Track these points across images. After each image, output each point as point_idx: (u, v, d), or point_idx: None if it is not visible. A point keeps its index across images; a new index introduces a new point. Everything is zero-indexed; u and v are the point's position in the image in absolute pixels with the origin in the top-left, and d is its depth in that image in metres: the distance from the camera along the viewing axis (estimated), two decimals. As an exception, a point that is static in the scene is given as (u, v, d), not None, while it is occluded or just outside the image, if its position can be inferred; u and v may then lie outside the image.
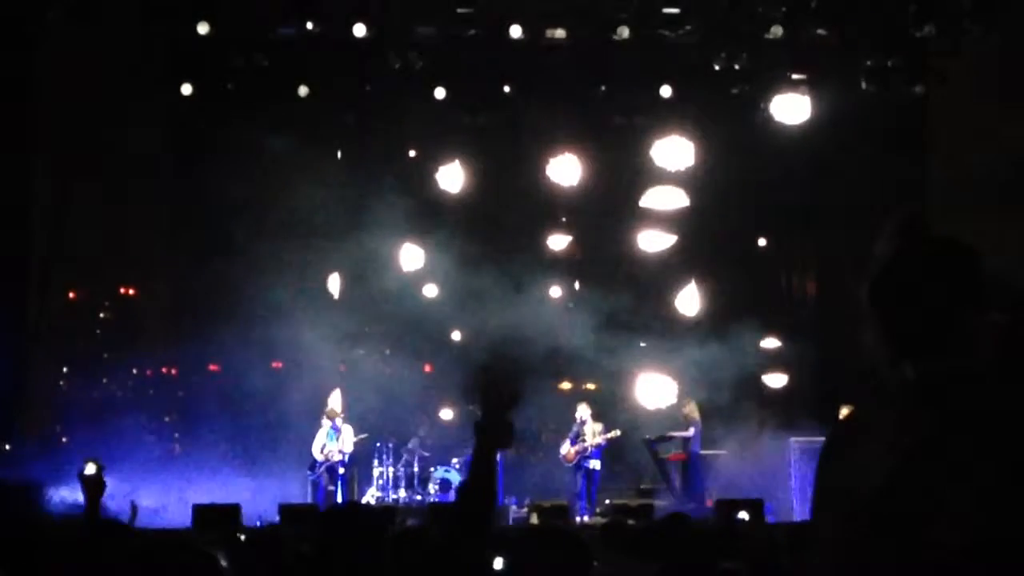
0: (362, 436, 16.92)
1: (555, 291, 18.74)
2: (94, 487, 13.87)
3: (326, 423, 16.73)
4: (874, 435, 2.25)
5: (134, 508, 12.57)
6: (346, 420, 16.86)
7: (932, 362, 2.26)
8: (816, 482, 2.35)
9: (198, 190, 18.52)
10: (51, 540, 4.04)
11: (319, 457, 16.59)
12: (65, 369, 17.79)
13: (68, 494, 13.59)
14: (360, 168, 18.51)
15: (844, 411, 15.92)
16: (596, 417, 17.13)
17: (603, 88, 17.68)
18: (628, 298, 18.30)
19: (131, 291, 18.82)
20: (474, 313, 17.78)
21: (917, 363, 2.26)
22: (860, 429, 2.34)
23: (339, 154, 18.66)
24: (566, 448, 17.08)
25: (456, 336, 18.81)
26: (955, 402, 2.20)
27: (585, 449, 16.86)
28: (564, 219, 18.97)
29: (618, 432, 16.96)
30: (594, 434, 16.92)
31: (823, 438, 2.46)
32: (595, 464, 16.90)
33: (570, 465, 17.01)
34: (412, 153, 18.93)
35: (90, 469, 13.95)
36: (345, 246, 17.89)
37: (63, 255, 16.85)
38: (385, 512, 13.65)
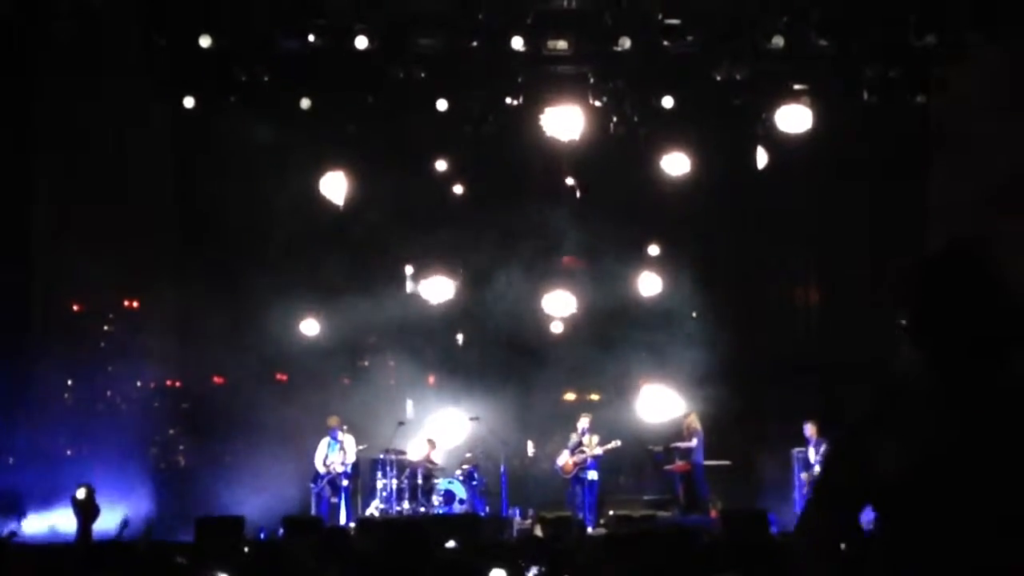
0: (362, 447, 16.89)
1: (560, 302, 18.72)
2: (86, 511, 13.87)
3: (327, 435, 16.71)
4: (897, 425, 2.70)
5: (124, 523, 12.57)
6: (347, 431, 16.82)
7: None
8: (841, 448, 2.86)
9: (201, 203, 18.54)
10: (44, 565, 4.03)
11: (321, 469, 16.56)
12: (69, 381, 17.78)
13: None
14: (362, 180, 18.50)
15: (809, 427, 16.15)
16: (592, 428, 17.11)
17: (604, 99, 17.70)
18: (631, 309, 18.31)
19: (135, 304, 18.83)
20: (479, 324, 17.78)
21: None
22: (881, 419, 2.78)
23: (341, 166, 18.61)
24: (564, 459, 17.04)
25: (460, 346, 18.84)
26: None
27: (584, 460, 16.83)
28: (567, 229, 18.95)
29: (618, 442, 16.93)
30: (592, 445, 16.89)
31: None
32: (593, 475, 16.86)
33: (567, 476, 16.96)
34: (414, 164, 18.91)
35: (81, 493, 13.98)
36: (349, 257, 17.91)
37: (66, 268, 16.85)
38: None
